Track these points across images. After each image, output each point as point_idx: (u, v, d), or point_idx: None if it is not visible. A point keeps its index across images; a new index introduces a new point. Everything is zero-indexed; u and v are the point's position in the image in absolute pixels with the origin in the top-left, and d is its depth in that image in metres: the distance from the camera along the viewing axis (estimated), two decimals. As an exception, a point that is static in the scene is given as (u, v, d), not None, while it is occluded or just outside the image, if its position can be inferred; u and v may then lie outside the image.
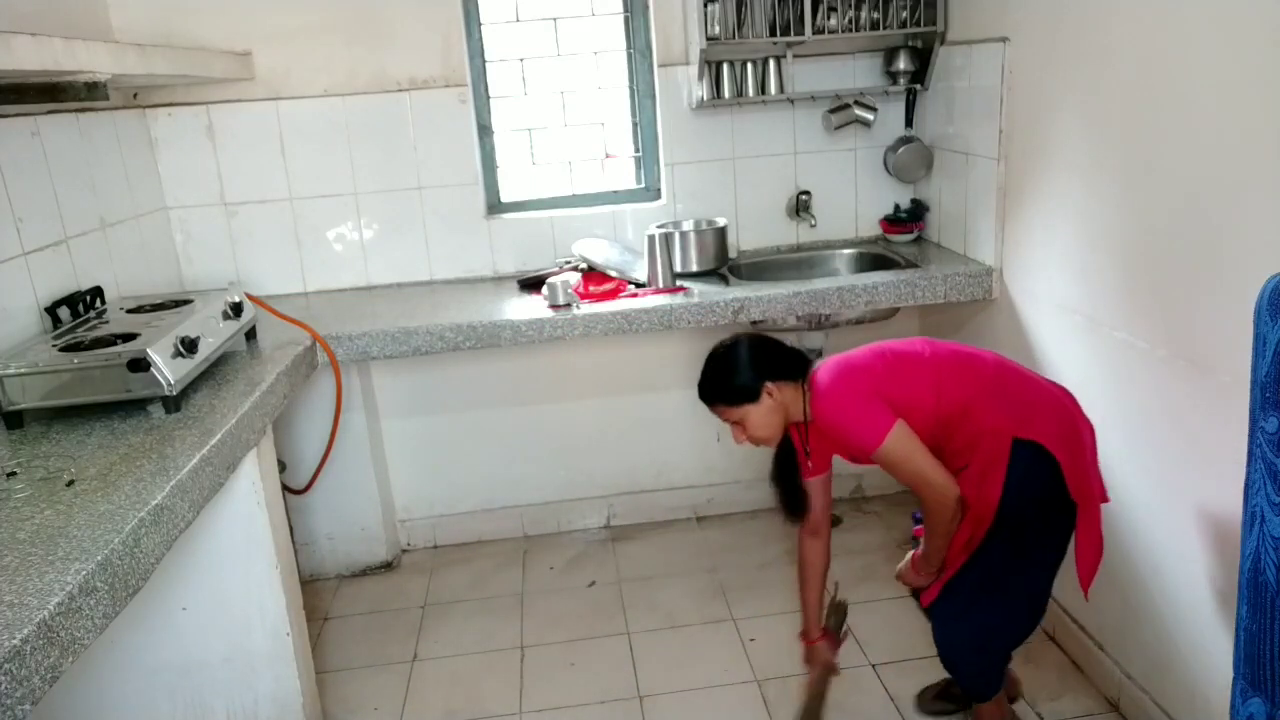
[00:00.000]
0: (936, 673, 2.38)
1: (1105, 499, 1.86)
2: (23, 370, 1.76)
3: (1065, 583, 2.40)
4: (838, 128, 2.98)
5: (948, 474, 1.77)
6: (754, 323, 2.83)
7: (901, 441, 1.77)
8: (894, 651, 2.47)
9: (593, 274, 2.79)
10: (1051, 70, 2.22)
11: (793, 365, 1.91)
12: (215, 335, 2.07)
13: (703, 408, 1.96)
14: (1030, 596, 1.93)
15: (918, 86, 2.95)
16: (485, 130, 3.01)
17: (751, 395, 1.86)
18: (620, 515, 3.26)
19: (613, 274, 2.76)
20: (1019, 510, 1.79)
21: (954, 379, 1.83)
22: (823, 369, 1.89)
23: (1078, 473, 1.79)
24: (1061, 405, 1.86)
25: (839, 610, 2.18)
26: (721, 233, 2.90)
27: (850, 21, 2.78)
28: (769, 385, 1.86)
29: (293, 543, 2.41)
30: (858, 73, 3.01)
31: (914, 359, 1.87)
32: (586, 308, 2.56)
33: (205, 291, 2.39)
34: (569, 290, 2.59)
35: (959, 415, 1.81)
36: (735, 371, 1.89)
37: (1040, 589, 1.93)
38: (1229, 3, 1.62)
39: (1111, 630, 2.21)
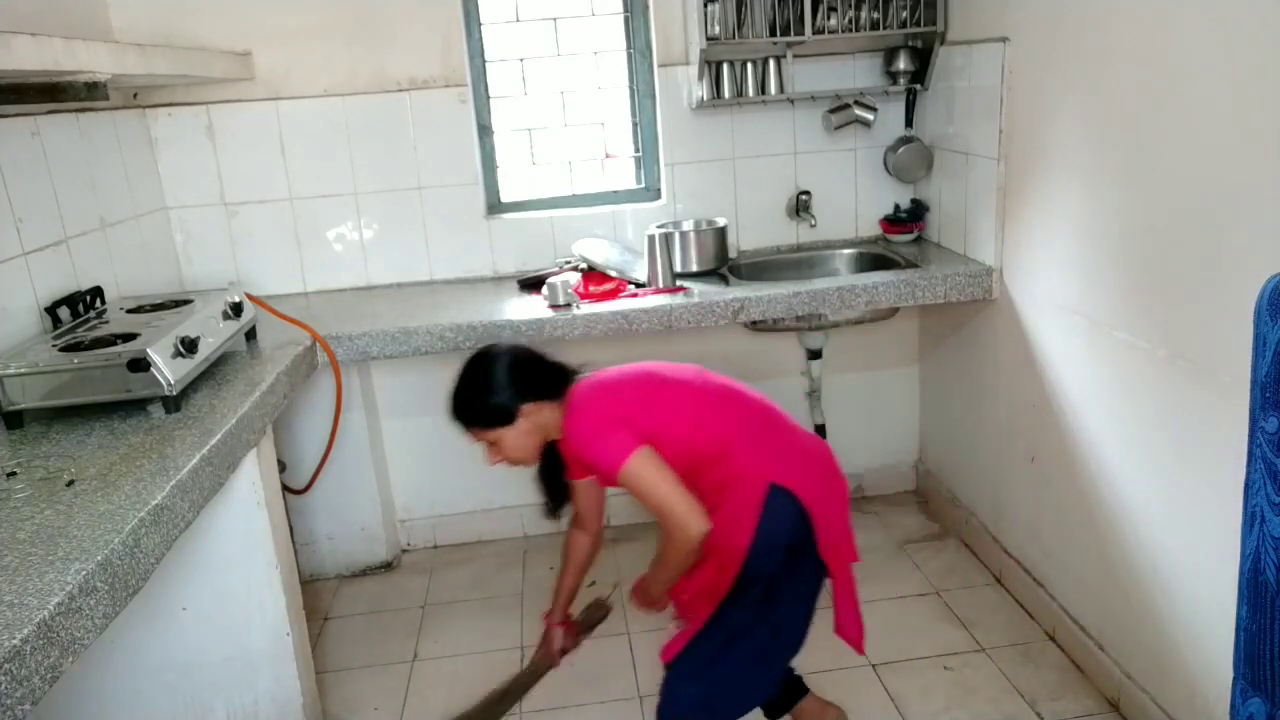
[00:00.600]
0: (937, 672, 2.38)
1: (855, 559, 1.85)
2: (23, 370, 1.76)
3: (1065, 581, 2.41)
4: (838, 128, 2.98)
5: (698, 509, 1.67)
6: (754, 323, 2.84)
7: (643, 469, 1.67)
8: (894, 651, 2.47)
9: (593, 274, 2.79)
10: (1051, 70, 2.22)
11: (553, 382, 1.82)
12: (215, 335, 2.07)
13: None
14: (771, 658, 1.84)
15: (918, 86, 2.95)
16: (485, 130, 3.01)
17: (507, 418, 1.77)
18: (620, 515, 3.26)
19: (613, 274, 2.76)
20: (768, 559, 1.72)
21: (716, 415, 1.76)
22: (581, 386, 1.81)
23: (830, 530, 1.75)
24: (821, 460, 1.82)
25: (597, 609, 2.19)
26: (721, 233, 2.90)
27: (850, 21, 2.78)
28: (526, 407, 1.77)
29: (293, 543, 2.41)
30: (858, 73, 3.01)
31: (678, 388, 1.80)
32: (586, 308, 2.56)
33: (205, 291, 2.39)
34: (569, 290, 2.59)
35: (716, 453, 1.74)
36: (491, 392, 1.78)
37: (783, 650, 1.85)
38: (1229, 3, 1.62)
39: (1111, 630, 2.21)
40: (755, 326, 2.95)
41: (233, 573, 2.00)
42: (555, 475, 1.96)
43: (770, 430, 1.79)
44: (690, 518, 1.66)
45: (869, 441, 3.31)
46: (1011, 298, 2.55)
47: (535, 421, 1.79)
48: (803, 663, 2.43)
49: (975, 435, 2.86)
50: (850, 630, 1.86)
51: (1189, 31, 1.73)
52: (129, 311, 2.18)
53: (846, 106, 2.95)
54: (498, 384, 1.78)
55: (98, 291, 2.26)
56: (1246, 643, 1.16)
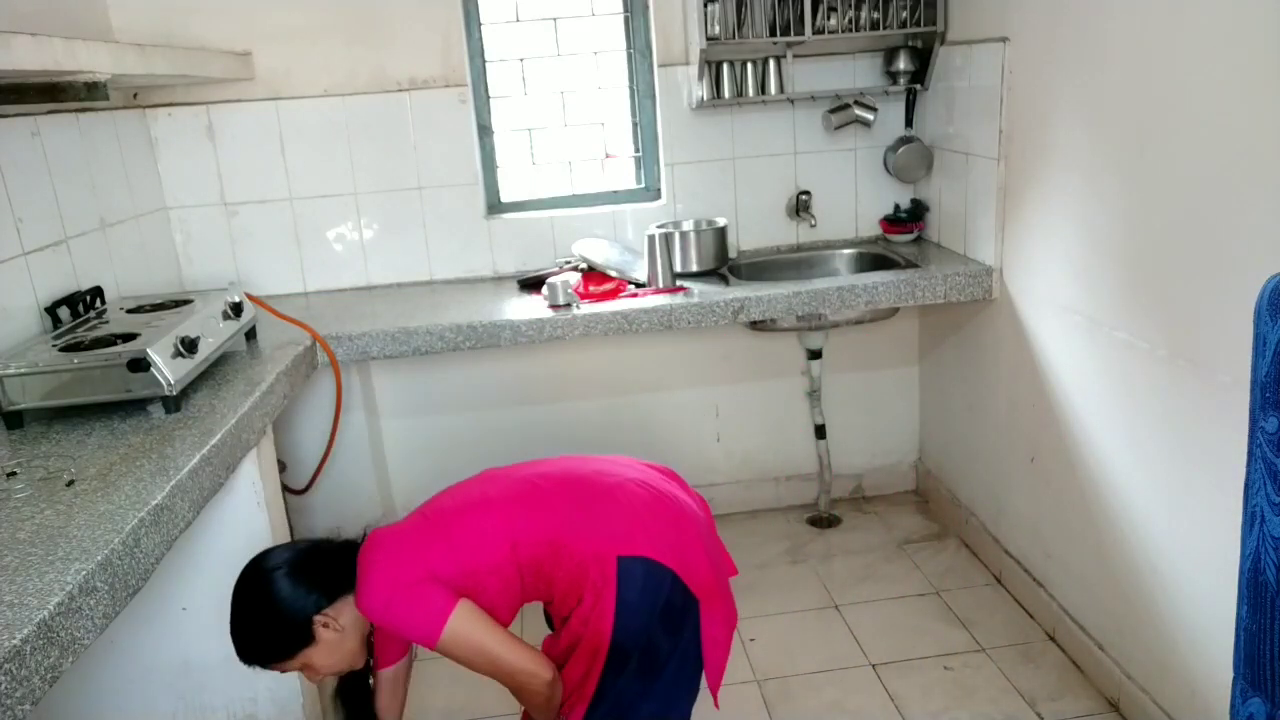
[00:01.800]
0: (937, 672, 2.38)
1: (732, 572, 1.76)
2: (23, 370, 1.76)
3: (1065, 581, 2.41)
4: (838, 128, 2.98)
5: (534, 655, 1.58)
6: (754, 323, 2.84)
7: (465, 631, 1.51)
8: (894, 651, 2.47)
9: (593, 274, 2.79)
10: (1051, 70, 2.22)
11: (343, 573, 1.58)
12: (215, 335, 2.07)
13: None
14: None
15: (918, 86, 2.95)
16: (485, 130, 3.01)
17: (304, 639, 1.54)
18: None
19: (613, 274, 2.76)
20: (639, 631, 1.59)
21: (527, 519, 1.60)
22: (365, 556, 1.58)
23: (691, 567, 1.63)
24: (655, 498, 1.66)
25: None
26: (721, 233, 2.90)
27: (850, 21, 2.78)
28: (321, 616, 1.54)
29: (293, 543, 2.41)
30: (858, 73, 3.01)
31: (473, 512, 1.62)
32: (586, 308, 2.56)
33: (205, 291, 2.39)
34: (569, 290, 2.59)
35: (549, 555, 1.60)
36: (275, 621, 1.54)
37: (683, 714, 1.71)
38: (1229, 2, 1.62)
39: (1111, 630, 2.21)
40: (755, 326, 2.95)
41: (233, 573, 1.98)
42: (359, 684, 1.74)
43: (587, 502, 1.63)
44: (532, 666, 1.56)
45: (869, 441, 3.31)
46: (1011, 298, 2.55)
47: (340, 625, 1.56)
48: (803, 663, 2.44)
49: (975, 435, 2.86)
50: (709, 669, 1.69)
51: (1189, 31, 1.73)
52: (129, 311, 2.18)
53: (846, 106, 2.95)
54: (280, 609, 1.53)
55: (98, 291, 2.26)
56: (1246, 643, 1.16)
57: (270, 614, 1.55)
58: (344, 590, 1.58)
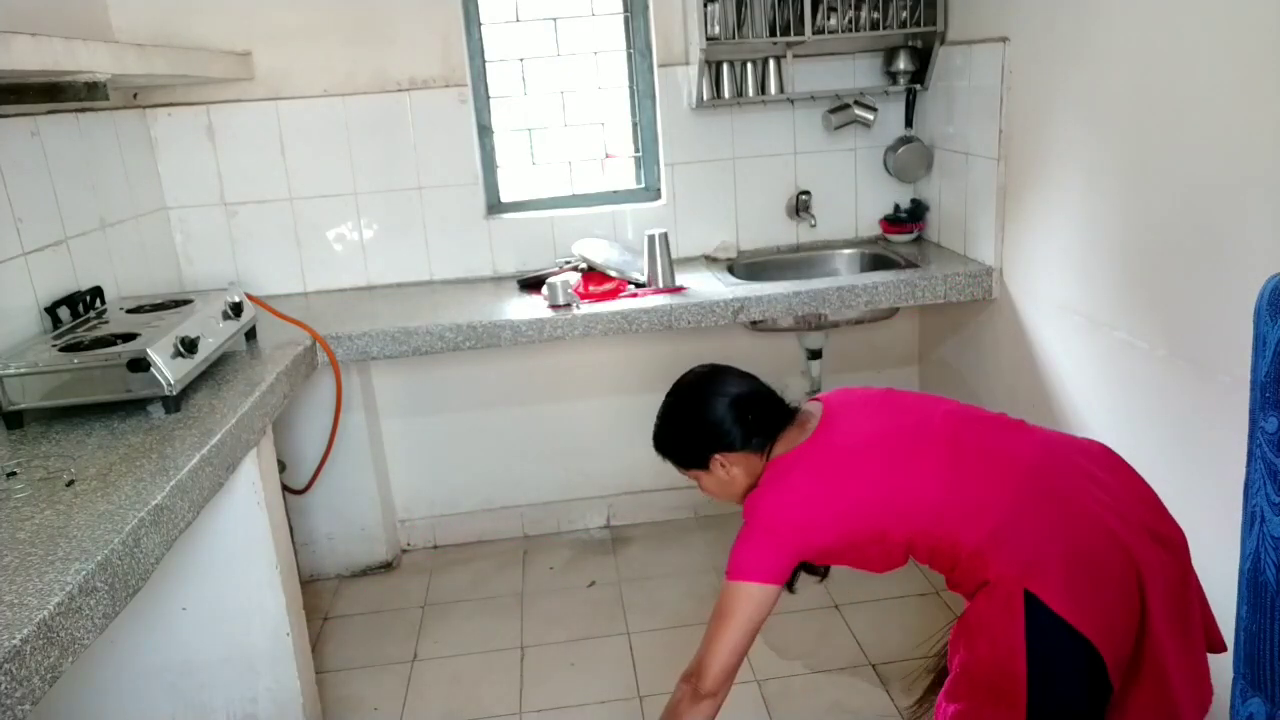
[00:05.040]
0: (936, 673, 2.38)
1: (1220, 648, 1.44)
2: (23, 370, 1.76)
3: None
4: (838, 128, 2.98)
5: (723, 680, 1.52)
6: (754, 323, 2.84)
7: (742, 602, 1.48)
8: (894, 651, 2.47)
9: (593, 274, 2.79)
10: (1051, 70, 2.22)
11: (768, 430, 1.58)
12: (215, 335, 2.07)
13: None
14: None
15: (918, 86, 2.95)
16: (485, 130, 3.01)
17: (701, 463, 1.62)
18: (620, 515, 3.26)
19: (613, 274, 2.76)
20: (1063, 705, 1.34)
21: (930, 512, 1.44)
22: (790, 462, 1.54)
23: (1114, 639, 1.33)
24: (1093, 513, 1.38)
25: None
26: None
27: (850, 21, 2.78)
28: (720, 458, 1.59)
29: (293, 543, 2.41)
30: (858, 73, 3.01)
31: (894, 484, 1.46)
32: (586, 308, 2.56)
33: (205, 291, 2.39)
34: (569, 290, 2.59)
35: (942, 553, 1.46)
36: (688, 435, 1.62)
37: None
38: (1228, 2, 1.62)
39: (1111, 630, 2.20)
40: (755, 326, 2.95)
41: (233, 573, 2.00)
42: None
43: (1037, 499, 1.39)
44: (707, 678, 1.50)
45: (869, 441, 3.31)
46: (1011, 298, 2.55)
47: (729, 475, 1.61)
48: (803, 663, 2.44)
49: (975, 435, 2.86)
50: None
51: (1189, 31, 1.73)
52: (129, 311, 2.18)
53: (846, 106, 2.95)
54: (698, 427, 1.60)
55: (98, 291, 2.26)
56: (1246, 643, 1.16)
57: (689, 427, 1.62)
58: (757, 447, 1.58)
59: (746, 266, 3.02)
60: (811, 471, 1.52)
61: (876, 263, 2.99)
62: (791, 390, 1.75)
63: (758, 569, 1.49)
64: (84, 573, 1.19)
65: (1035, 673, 1.34)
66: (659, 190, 3.09)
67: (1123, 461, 1.53)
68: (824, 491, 1.50)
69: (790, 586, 1.66)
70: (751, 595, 1.48)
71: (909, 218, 3.08)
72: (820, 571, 1.67)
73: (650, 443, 1.71)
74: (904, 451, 1.49)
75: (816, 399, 1.68)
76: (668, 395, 1.68)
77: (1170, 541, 1.44)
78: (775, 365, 3.17)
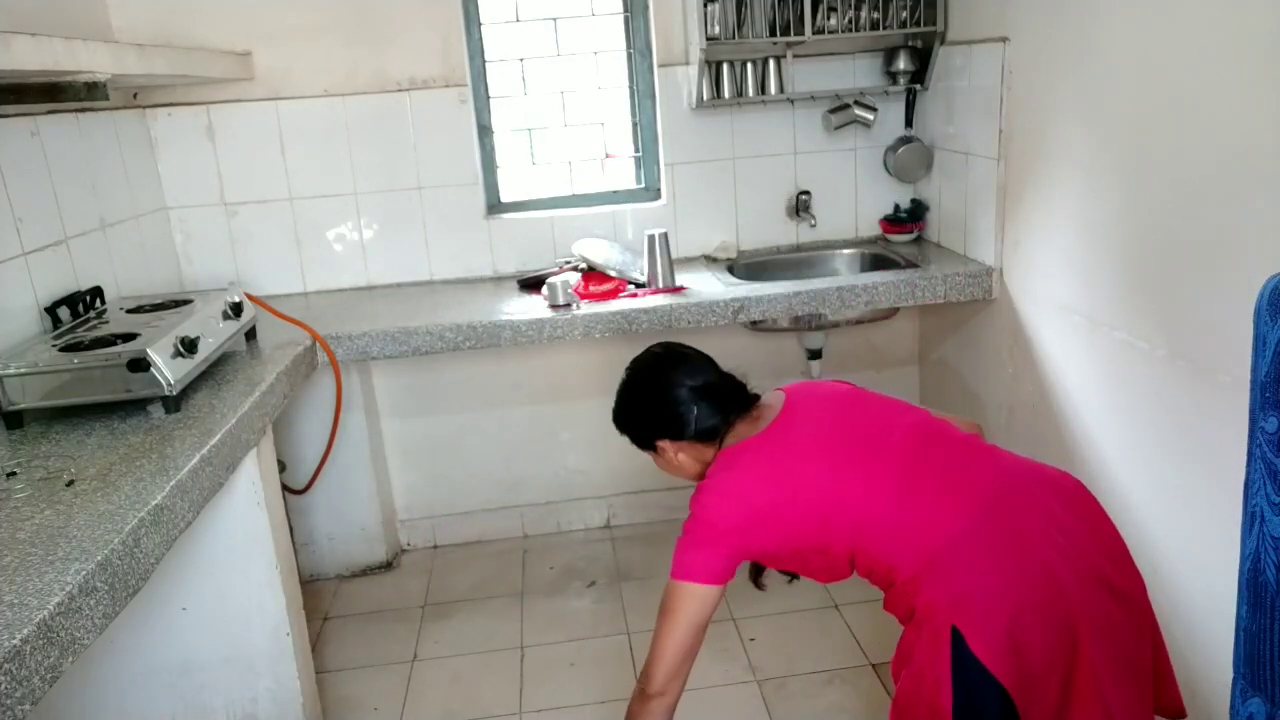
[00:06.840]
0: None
1: (1174, 712, 1.43)
2: (23, 370, 1.76)
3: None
4: (838, 128, 2.98)
5: (674, 678, 1.49)
6: (754, 323, 2.84)
7: (684, 602, 1.46)
8: (894, 652, 2.46)
9: (593, 274, 2.79)
10: (1051, 70, 2.22)
11: (724, 420, 1.57)
12: (215, 335, 2.07)
13: None
14: None
15: (918, 86, 2.95)
16: (485, 130, 3.01)
17: (647, 444, 1.65)
18: (620, 515, 3.26)
19: (612, 274, 2.76)
20: None
21: (862, 527, 1.41)
22: (735, 456, 1.51)
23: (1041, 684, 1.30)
24: (1047, 554, 1.32)
25: None
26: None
27: (850, 21, 2.78)
28: (663, 444, 1.61)
29: (293, 543, 2.41)
30: (858, 73, 3.01)
31: (825, 486, 1.43)
32: (586, 308, 2.56)
33: (205, 291, 2.39)
34: (569, 290, 2.59)
35: (875, 572, 1.44)
36: (642, 417, 1.65)
37: None
38: (1229, 2, 1.62)
39: (1111, 630, 2.21)
40: (755, 326, 2.95)
41: (233, 573, 2.00)
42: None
43: (989, 523, 1.34)
44: (655, 678, 1.49)
45: (869, 441, 3.31)
46: (1011, 298, 2.55)
47: (679, 460, 1.62)
48: (803, 663, 2.44)
49: (975, 435, 2.86)
50: None
51: (1189, 31, 1.73)
52: (129, 311, 2.18)
53: (846, 106, 2.95)
54: (652, 411, 1.62)
55: (98, 291, 2.26)
56: (1246, 643, 1.16)
57: (636, 411, 1.65)
58: (704, 437, 1.58)
59: (746, 266, 3.02)
60: (757, 469, 1.48)
61: (876, 263, 2.99)
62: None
63: (698, 569, 1.48)
64: (84, 573, 1.19)
65: (960, 708, 1.30)
66: (659, 190, 3.09)
67: (1093, 502, 1.45)
68: (768, 493, 1.46)
69: (757, 582, 1.71)
70: (694, 595, 1.48)
71: (909, 218, 3.08)
72: (789, 572, 1.65)
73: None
74: (857, 460, 1.44)
75: (780, 389, 1.65)
76: (625, 371, 1.71)
77: (1124, 595, 1.37)
78: (775, 365, 3.17)
